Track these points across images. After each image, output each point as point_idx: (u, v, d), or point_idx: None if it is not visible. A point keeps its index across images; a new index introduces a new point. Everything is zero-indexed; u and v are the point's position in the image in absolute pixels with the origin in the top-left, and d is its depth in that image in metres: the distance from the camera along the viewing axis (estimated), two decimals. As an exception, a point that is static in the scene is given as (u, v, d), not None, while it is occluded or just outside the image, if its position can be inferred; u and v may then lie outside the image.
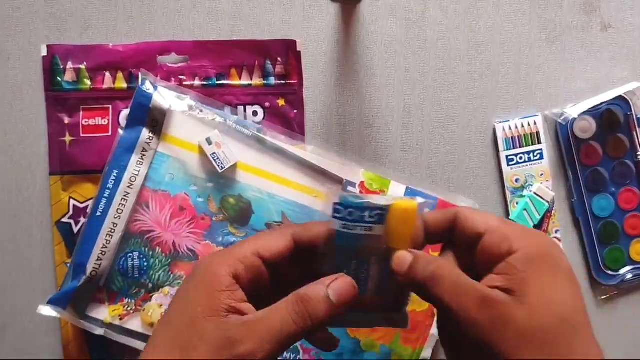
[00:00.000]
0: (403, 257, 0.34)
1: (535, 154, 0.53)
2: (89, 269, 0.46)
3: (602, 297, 0.54)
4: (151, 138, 0.48)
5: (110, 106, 0.50)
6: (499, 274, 0.31)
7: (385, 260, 0.35)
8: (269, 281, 0.36)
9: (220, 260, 0.34)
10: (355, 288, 0.34)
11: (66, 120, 0.49)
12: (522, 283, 0.30)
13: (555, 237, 0.53)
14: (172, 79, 0.50)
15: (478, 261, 0.33)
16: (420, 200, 0.36)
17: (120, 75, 0.50)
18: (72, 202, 0.49)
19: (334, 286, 0.33)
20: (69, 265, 0.49)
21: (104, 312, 0.47)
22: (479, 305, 0.30)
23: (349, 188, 0.50)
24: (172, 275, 0.48)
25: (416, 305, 0.50)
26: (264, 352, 0.31)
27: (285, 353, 0.49)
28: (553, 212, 0.53)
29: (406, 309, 0.37)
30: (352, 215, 0.34)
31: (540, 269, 0.31)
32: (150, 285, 0.48)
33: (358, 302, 0.34)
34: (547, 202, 0.52)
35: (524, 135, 0.53)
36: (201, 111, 0.49)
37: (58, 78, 0.49)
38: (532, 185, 0.53)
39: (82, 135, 0.49)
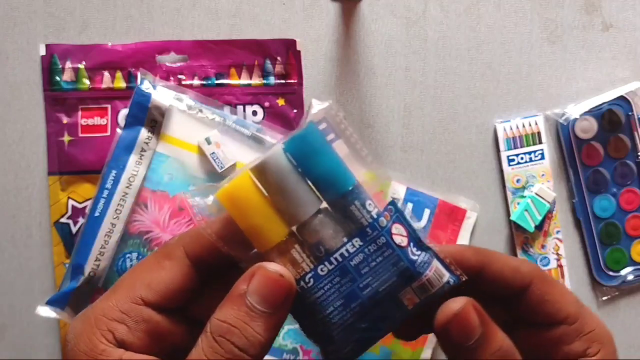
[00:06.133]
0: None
1: (536, 154, 0.53)
2: (88, 269, 0.46)
3: (603, 298, 0.54)
4: (150, 138, 0.48)
5: (109, 106, 0.49)
6: None
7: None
8: (186, 324, 0.26)
9: (89, 328, 0.24)
10: (282, 274, 0.25)
11: (65, 120, 0.49)
12: None
13: (557, 238, 0.53)
14: (171, 78, 0.50)
15: (535, 340, 0.28)
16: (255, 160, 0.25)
17: (119, 74, 0.50)
18: (71, 202, 0.49)
19: (253, 289, 0.24)
20: (67, 265, 0.48)
21: (102, 313, 0.47)
22: None
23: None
24: (171, 276, 0.48)
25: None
26: None
27: (284, 354, 0.49)
28: (554, 212, 0.53)
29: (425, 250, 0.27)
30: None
31: None
32: (149, 285, 0.48)
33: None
34: (548, 202, 0.52)
35: (525, 135, 0.52)
36: (200, 111, 0.49)
37: (57, 77, 0.49)
38: (533, 186, 0.52)
39: (80, 135, 0.49)
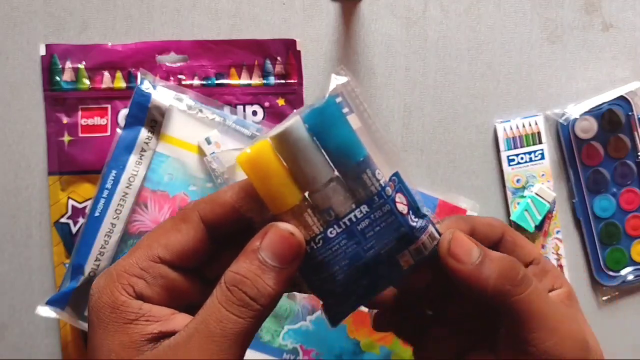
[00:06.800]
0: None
1: (536, 154, 0.53)
2: (88, 269, 0.46)
3: (604, 298, 0.54)
4: (150, 138, 0.48)
5: (109, 106, 0.49)
6: None
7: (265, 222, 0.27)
8: (198, 282, 0.28)
9: (111, 283, 0.26)
10: (293, 232, 0.26)
11: (65, 120, 0.49)
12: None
13: (557, 238, 0.53)
14: (171, 78, 0.50)
15: None
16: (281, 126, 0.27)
17: (119, 74, 0.50)
18: (71, 202, 0.49)
19: (265, 245, 0.26)
20: (67, 265, 0.48)
21: (102, 313, 0.47)
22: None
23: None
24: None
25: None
26: None
27: (284, 354, 0.49)
28: (554, 212, 0.53)
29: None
30: None
31: (576, 310, 0.31)
32: (149, 285, 0.48)
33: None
34: (548, 202, 0.52)
35: (525, 135, 0.52)
36: (200, 111, 0.49)
37: (57, 78, 0.49)
38: (533, 186, 0.52)
39: (80, 135, 0.49)
